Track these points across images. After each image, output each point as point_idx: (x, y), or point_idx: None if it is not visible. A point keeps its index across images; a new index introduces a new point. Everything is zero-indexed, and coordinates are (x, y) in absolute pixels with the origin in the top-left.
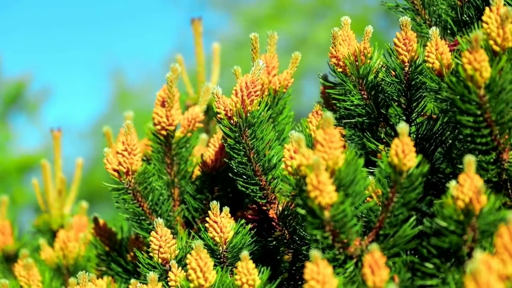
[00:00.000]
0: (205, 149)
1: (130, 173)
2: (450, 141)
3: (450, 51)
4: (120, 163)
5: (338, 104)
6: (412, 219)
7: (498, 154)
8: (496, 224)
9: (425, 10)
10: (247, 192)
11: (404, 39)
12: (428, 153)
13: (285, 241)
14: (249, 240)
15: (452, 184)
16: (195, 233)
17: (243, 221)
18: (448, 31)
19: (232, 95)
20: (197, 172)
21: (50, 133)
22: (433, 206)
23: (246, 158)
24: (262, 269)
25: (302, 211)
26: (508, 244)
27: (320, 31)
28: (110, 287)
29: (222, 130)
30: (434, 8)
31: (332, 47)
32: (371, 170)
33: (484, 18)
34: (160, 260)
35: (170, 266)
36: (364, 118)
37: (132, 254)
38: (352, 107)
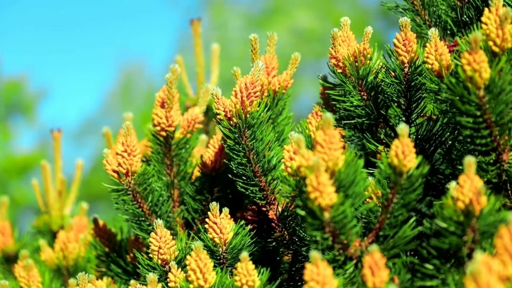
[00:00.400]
0: (204, 150)
1: (129, 174)
2: (450, 142)
3: (450, 52)
4: (119, 164)
5: (337, 105)
6: (412, 220)
7: (498, 155)
8: (496, 225)
9: (425, 10)
10: (247, 193)
11: (403, 40)
12: (428, 154)
13: (285, 242)
14: (249, 241)
15: (452, 185)
16: (194, 234)
17: (242, 222)
18: (448, 32)
19: (232, 96)
20: (196, 173)
21: (50, 133)
22: (433, 207)
23: (246, 159)
24: (261, 270)
25: (302, 212)
26: (508, 245)
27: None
28: None
29: (222, 131)
30: (434, 8)
31: (332, 48)
32: (371, 171)
33: (483, 19)
34: (159, 261)
35: (169, 267)
36: (363, 119)
37: (131, 255)
38: (351, 108)
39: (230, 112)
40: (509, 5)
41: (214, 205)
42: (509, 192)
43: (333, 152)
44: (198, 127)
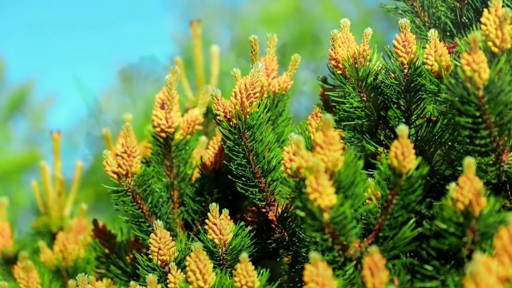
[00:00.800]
0: (204, 151)
1: (129, 175)
2: (450, 143)
3: (449, 53)
4: (119, 165)
5: (337, 107)
6: (411, 221)
7: (497, 156)
8: (496, 226)
9: (424, 12)
10: (247, 194)
11: (403, 41)
12: (427, 155)
13: (285, 243)
14: (249, 242)
15: (452, 186)
16: (194, 235)
17: (242, 223)
18: (447, 33)
19: (232, 97)
20: (196, 174)
21: (50, 135)
22: (433, 208)
23: (246, 160)
24: (261, 271)
25: (302, 213)
26: (507, 246)
27: None
28: None
29: (222, 132)
30: (434, 10)
31: (332, 49)
32: (371, 172)
33: (482, 19)
34: (159, 262)
35: (169, 268)
36: (363, 120)
37: (131, 256)
38: (351, 109)
39: (229, 113)
40: (508, 6)
41: (214, 206)
42: (509, 193)
43: (332, 153)
44: (198, 129)
